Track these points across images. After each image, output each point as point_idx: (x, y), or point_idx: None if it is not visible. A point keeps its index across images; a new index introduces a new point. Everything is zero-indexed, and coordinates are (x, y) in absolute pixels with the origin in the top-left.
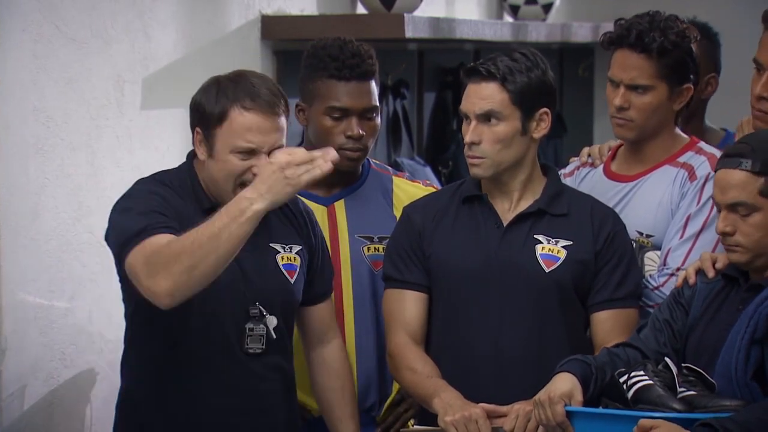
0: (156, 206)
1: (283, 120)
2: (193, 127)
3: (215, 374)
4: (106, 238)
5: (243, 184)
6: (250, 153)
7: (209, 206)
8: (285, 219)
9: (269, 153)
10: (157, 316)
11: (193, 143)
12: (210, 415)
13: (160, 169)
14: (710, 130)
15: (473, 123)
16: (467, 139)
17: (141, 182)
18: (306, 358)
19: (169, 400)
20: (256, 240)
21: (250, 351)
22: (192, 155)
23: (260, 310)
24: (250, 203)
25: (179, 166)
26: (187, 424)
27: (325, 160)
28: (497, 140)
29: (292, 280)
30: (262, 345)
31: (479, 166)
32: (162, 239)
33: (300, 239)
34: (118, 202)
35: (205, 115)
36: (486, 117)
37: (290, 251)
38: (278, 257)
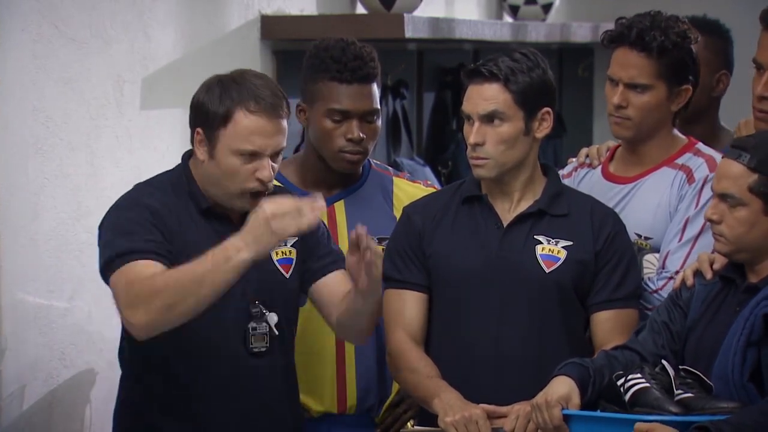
0: (143, 225)
1: (285, 122)
2: (193, 126)
3: (221, 377)
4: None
5: (250, 194)
6: (252, 155)
7: (207, 206)
8: None
9: (271, 156)
10: None
11: (192, 143)
12: (215, 417)
13: (159, 170)
14: (723, 130)
15: (476, 124)
16: (471, 140)
17: (134, 191)
18: (331, 324)
19: (174, 404)
20: None
21: (255, 350)
22: (187, 156)
23: (260, 309)
24: (237, 251)
25: (175, 168)
26: (193, 426)
27: (312, 210)
28: (501, 141)
29: (288, 275)
30: (266, 343)
31: (483, 167)
32: (146, 270)
33: None
34: (108, 214)
35: (209, 116)
36: (489, 118)
37: (285, 244)
38: (272, 253)
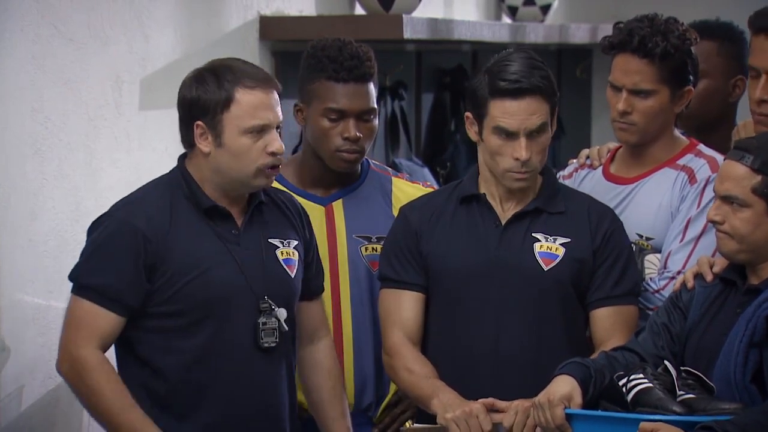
0: (122, 258)
1: (278, 96)
2: (189, 123)
3: (231, 372)
4: None
5: (267, 169)
6: (261, 131)
7: (209, 205)
8: (281, 213)
9: (277, 128)
10: (167, 323)
11: (191, 140)
12: (219, 414)
13: (158, 170)
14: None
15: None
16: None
17: (124, 207)
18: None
19: (177, 401)
20: (254, 237)
21: (266, 345)
22: (182, 158)
23: (270, 304)
24: None
25: (170, 171)
26: (198, 422)
27: None
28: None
29: (293, 275)
30: (276, 338)
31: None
32: (99, 321)
33: (296, 233)
34: (99, 224)
35: (208, 105)
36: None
37: (288, 246)
38: (278, 252)
